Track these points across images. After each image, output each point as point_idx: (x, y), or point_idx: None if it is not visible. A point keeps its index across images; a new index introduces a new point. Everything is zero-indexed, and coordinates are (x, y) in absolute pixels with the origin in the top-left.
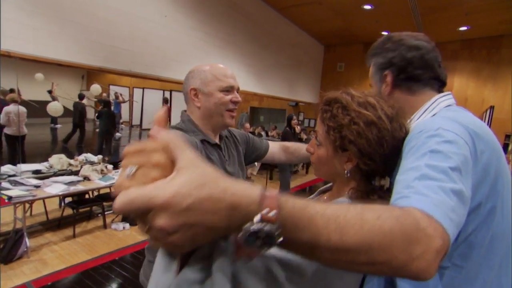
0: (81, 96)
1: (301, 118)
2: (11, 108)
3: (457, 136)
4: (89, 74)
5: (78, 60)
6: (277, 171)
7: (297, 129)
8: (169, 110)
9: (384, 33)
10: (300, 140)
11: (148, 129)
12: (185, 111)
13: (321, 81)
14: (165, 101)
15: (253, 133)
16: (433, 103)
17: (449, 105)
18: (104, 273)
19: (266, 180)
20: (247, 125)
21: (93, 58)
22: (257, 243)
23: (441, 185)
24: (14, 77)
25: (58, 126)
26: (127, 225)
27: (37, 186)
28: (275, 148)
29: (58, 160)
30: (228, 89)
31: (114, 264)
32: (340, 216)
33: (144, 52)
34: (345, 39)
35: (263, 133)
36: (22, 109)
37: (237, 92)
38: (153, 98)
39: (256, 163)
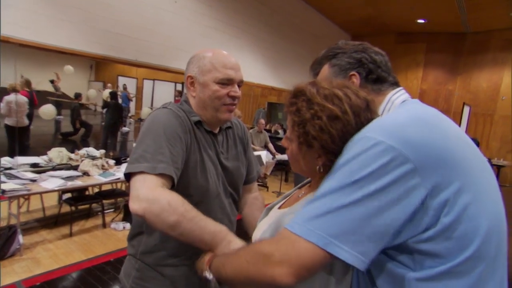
0: (77, 96)
1: None
2: (12, 97)
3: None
4: (98, 64)
5: (81, 48)
6: (293, 172)
7: None
8: None
9: (420, 21)
10: None
11: None
12: (185, 94)
13: None
14: (179, 93)
15: (269, 130)
16: (387, 102)
17: (404, 101)
18: (97, 275)
19: (280, 182)
20: (262, 120)
21: (97, 46)
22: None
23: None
24: (31, 65)
25: (61, 117)
26: (127, 225)
27: (33, 180)
28: (251, 191)
29: (57, 154)
30: (226, 82)
31: (108, 266)
32: (227, 262)
33: (152, 41)
34: (375, 29)
35: (280, 131)
36: (22, 99)
37: (240, 86)
38: (164, 91)
39: (272, 159)
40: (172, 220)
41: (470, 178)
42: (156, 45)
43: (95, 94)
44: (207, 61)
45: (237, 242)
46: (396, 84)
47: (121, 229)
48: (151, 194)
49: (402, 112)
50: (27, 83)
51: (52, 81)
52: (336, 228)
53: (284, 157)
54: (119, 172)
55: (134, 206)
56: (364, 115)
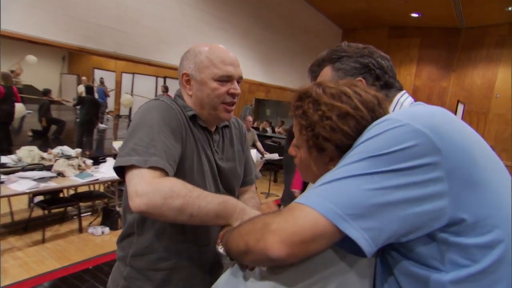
0: (45, 92)
1: None
2: None
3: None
4: (71, 56)
5: (54, 37)
6: (282, 172)
7: None
8: None
9: (414, 15)
10: None
11: None
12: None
13: None
14: (165, 89)
15: (257, 128)
16: (396, 104)
17: (412, 103)
18: (74, 284)
19: (269, 183)
20: (250, 117)
21: (72, 37)
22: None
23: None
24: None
25: (30, 112)
26: (106, 229)
27: (1, 182)
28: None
29: (28, 153)
30: (225, 79)
31: (86, 274)
32: (233, 232)
33: (133, 32)
34: (368, 22)
35: (268, 128)
36: None
37: (239, 82)
38: (145, 85)
39: (260, 159)
40: (178, 203)
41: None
42: (138, 37)
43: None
44: (204, 57)
45: (250, 210)
46: (401, 89)
47: (100, 234)
48: (149, 187)
49: (420, 107)
50: (3, 77)
51: (12, 71)
52: (340, 196)
53: (273, 156)
54: (98, 172)
55: (135, 203)
56: (378, 110)
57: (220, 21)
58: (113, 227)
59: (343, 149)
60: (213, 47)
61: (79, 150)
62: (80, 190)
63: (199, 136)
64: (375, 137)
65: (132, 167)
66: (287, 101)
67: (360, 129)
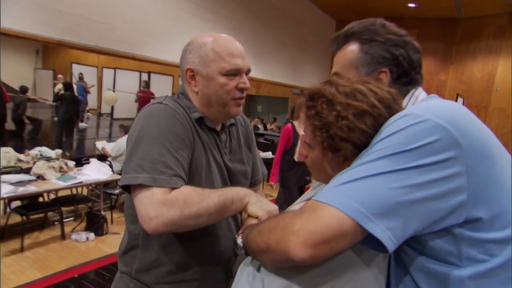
0: (23, 89)
1: None
2: None
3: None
4: (46, 49)
5: (30, 30)
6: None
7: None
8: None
9: (411, 5)
10: None
11: (122, 119)
12: (183, 85)
13: (331, 64)
14: (146, 84)
15: None
16: (411, 97)
17: (426, 97)
18: None
19: (263, 182)
20: None
21: (50, 29)
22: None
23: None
24: None
25: None
26: (91, 235)
27: None
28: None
29: (3, 155)
30: (234, 73)
31: (72, 284)
32: (255, 228)
33: (115, 24)
34: (363, 13)
35: (260, 125)
36: None
37: (247, 75)
38: (127, 81)
39: None
40: (194, 211)
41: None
42: (121, 30)
43: None
44: (209, 49)
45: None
46: (419, 84)
47: (84, 240)
48: (163, 207)
49: (436, 101)
50: None
51: None
52: (365, 195)
53: (267, 155)
54: (81, 175)
55: (151, 226)
56: (394, 107)
57: (208, 12)
58: (98, 233)
59: (360, 148)
60: (218, 37)
61: (59, 151)
62: (61, 194)
63: (206, 138)
64: (396, 134)
65: (140, 185)
66: (279, 97)
67: (377, 126)
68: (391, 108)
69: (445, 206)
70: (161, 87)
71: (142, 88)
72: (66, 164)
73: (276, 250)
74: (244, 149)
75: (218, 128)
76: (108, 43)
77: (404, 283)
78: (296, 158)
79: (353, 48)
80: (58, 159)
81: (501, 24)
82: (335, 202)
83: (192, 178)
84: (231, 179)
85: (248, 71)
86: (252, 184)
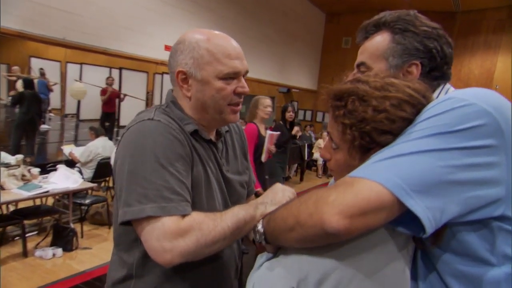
0: None
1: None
2: None
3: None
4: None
5: None
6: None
7: (289, 120)
8: (118, 97)
9: None
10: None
11: (89, 120)
12: (172, 90)
13: (321, 61)
14: (112, 81)
15: None
16: (441, 90)
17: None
18: None
19: None
20: None
21: (8, 18)
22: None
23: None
24: None
25: None
26: (58, 251)
27: None
28: None
29: None
30: (232, 76)
31: None
32: (280, 208)
33: (85, 15)
34: (354, 6)
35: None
36: None
37: (244, 77)
38: (96, 78)
39: None
40: (210, 238)
41: None
42: (91, 21)
43: None
44: (204, 50)
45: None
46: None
47: (50, 256)
48: (177, 237)
49: (477, 88)
50: None
51: None
52: (407, 171)
53: None
54: (47, 183)
55: (166, 259)
56: (429, 96)
57: (188, 3)
58: (67, 248)
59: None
60: (213, 36)
61: (20, 156)
62: (22, 205)
63: (203, 151)
64: (441, 115)
65: (147, 216)
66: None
67: (416, 114)
68: (426, 98)
69: (484, 194)
70: (133, 85)
71: (107, 85)
72: (29, 171)
73: (307, 224)
74: (240, 158)
75: (213, 136)
76: (77, 35)
77: (431, 282)
78: (263, 158)
79: (384, 37)
80: (18, 165)
81: (500, 18)
82: (375, 176)
83: (194, 197)
84: (229, 190)
85: (246, 73)
86: (247, 194)
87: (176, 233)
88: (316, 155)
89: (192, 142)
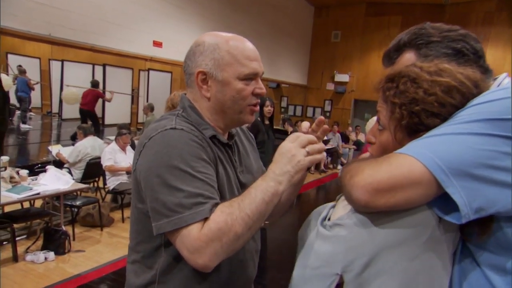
0: None
1: (284, 104)
2: None
3: None
4: None
5: None
6: None
7: (268, 116)
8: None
9: None
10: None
11: (73, 119)
12: (185, 94)
13: (310, 55)
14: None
15: None
16: (495, 80)
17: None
18: None
19: None
20: None
21: None
22: None
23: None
24: None
25: None
26: (50, 255)
27: None
28: None
29: None
30: (251, 77)
31: None
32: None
33: (71, 9)
34: None
35: None
36: None
37: (261, 78)
38: (78, 75)
39: None
40: (232, 234)
41: None
42: (77, 15)
43: None
44: (224, 52)
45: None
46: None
47: (42, 260)
48: (214, 239)
49: None
50: None
51: None
52: (444, 149)
53: None
54: (37, 185)
55: (198, 264)
56: (482, 85)
57: None
58: (59, 252)
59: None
60: (231, 38)
61: (6, 158)
62: (9, 208)
63: (221, 154)
64: (493, 102)
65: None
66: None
67: (465, 103)
68: (479, 87)
69: None
70: (118, 82)
71: (91, 87)
72: (18, 173)
73: (346, 185)
74: (252, 157)
75: (225, 136)
76: (62, 31)
77: (470, 281)
78: None
79: (410, 55)
80: (5, 167)
81: (488, 10)
82: (412, 152)
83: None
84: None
85: (262, 74)
86: None
87: (211, 233)
88: None
89: (212, 147)
